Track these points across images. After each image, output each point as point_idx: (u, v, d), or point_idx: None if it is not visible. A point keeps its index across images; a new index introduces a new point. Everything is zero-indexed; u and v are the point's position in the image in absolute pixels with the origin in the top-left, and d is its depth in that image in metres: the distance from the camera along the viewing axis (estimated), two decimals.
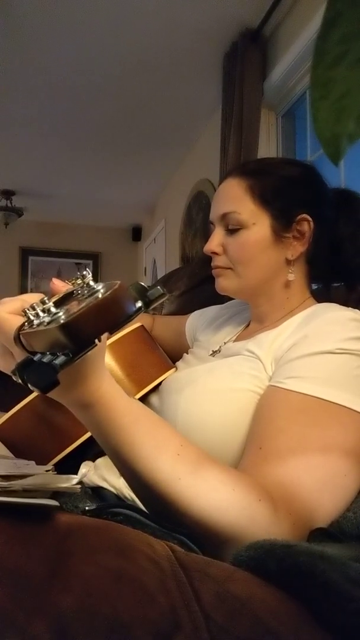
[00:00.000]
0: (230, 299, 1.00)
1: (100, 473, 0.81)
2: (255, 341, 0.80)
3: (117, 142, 3.43)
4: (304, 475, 0.60)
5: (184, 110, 2.98)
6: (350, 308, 0.75)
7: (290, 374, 0.69)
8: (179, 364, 0.97)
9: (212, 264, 0.87)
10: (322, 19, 0.28)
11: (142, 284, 0.46)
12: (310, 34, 1.97)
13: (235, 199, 0.83)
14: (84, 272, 0.48)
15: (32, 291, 4.88)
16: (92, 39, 2.39)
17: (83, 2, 2.15)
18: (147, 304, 0.45)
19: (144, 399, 0.89)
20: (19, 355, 0.50)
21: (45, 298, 0.50)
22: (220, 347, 0.91)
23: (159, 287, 0.46)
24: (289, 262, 0.83)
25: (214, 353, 0.91)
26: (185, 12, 2.18)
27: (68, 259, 5.20)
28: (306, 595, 0.40)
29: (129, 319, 0.42)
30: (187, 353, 0.99)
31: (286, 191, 0.83)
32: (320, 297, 0.88)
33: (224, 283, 0.86)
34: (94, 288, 0.44)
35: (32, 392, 0.73)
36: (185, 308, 1.28)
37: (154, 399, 0.89)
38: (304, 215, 0.82)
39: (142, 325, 1.01)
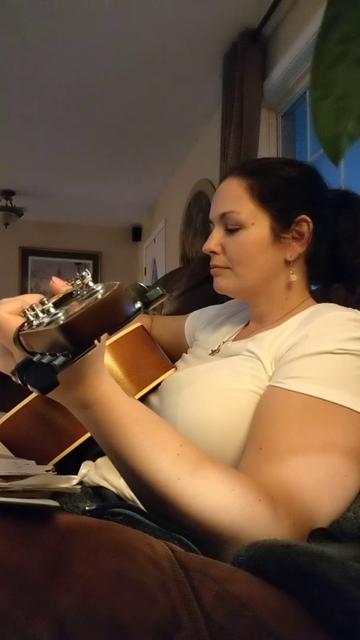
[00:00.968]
0: (230, 298, 1.00)
1: (101, 472, 0.81)
2: (255, 341, 0.80)
3: (117, 142, 3.42)
4: (304, 476, 0.60)
5: (184, 110, 2.98)
6: (350, 308, 0.75)
7: (291, 374, 0.69)
8: (178, 363, 0.97)
9: (210, 263, 0.87)
10: (322, 19, 0.29)
11: (142, 284, 0.46)
12: (310, 34, 1.97)
13: (234, 198, 0.83)
14: (84, 273, 0.48)
15: (32, 291, 4.88)
16: (92, 39, 2.39)
17: (84, 2, 2.15)
18: (146, 305, 0.45)
19: (143, 399, 0.89)
20: (19, 356, 0.50)
21: (45, 299, 0.50)
22: (219, 346, 0.91)
23: (158, 287, 0.46)
24: (287, 263, 0.83)
25: (213, 352, 0.91)
26: (185, 12, 2.18)
27: (68, 259, 5.20)
28: (306, 595, 0.40)
29: (128, 319, 0.42)
30: (187, 353, 0.99)
31: (286, 192, 0.83)
32: (320, 297, 0.88)
33: (222, 282, 0.86)
34: (93, 289, 0.44)
35: (32, 392, 0.73)
36: (185, 308, 1.28)
37: (153, 399, 0.89)
38: (304, 216, 0.82)
39: (142, 326, 1.01)
